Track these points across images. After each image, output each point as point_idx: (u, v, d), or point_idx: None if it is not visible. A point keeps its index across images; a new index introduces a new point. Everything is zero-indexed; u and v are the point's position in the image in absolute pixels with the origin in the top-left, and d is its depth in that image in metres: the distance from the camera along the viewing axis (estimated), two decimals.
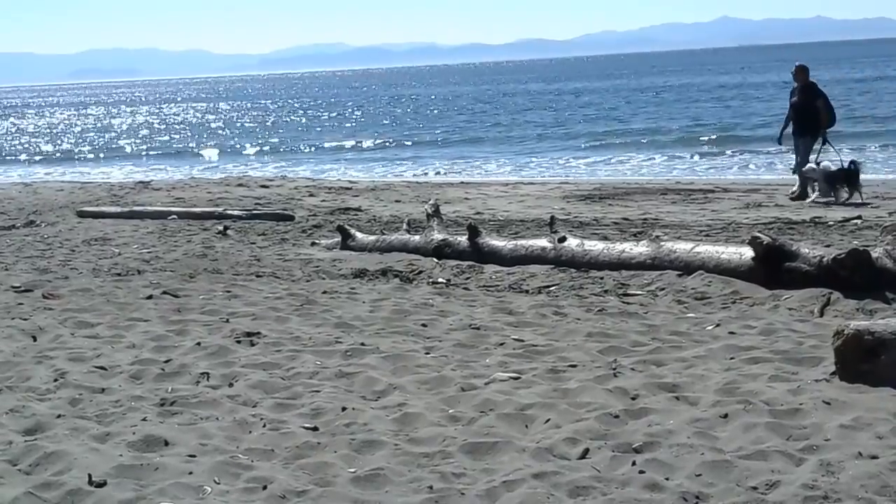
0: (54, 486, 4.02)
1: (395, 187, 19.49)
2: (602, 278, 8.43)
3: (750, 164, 24.33)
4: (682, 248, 8.42)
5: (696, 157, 26.59)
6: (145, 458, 4.30)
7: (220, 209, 15.02)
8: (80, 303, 8.00)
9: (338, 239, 11.38)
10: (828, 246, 8.95)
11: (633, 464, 4.10)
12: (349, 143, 38.10)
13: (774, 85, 55.55)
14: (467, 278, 8.98)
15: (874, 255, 7.15)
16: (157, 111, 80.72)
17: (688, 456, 4.14)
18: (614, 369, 5.55)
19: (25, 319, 7.35)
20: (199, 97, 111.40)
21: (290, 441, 4.56)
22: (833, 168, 14.32)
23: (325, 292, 8.31)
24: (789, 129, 15.05)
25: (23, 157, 39.91)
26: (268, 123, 55.34)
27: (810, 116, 14.53)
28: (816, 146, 14.60)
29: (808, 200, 14.16)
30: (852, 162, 14.29)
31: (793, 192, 14.81)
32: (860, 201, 13.80)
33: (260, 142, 41.60)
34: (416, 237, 10.52)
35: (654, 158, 27.07)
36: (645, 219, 13.10)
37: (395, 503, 3.88)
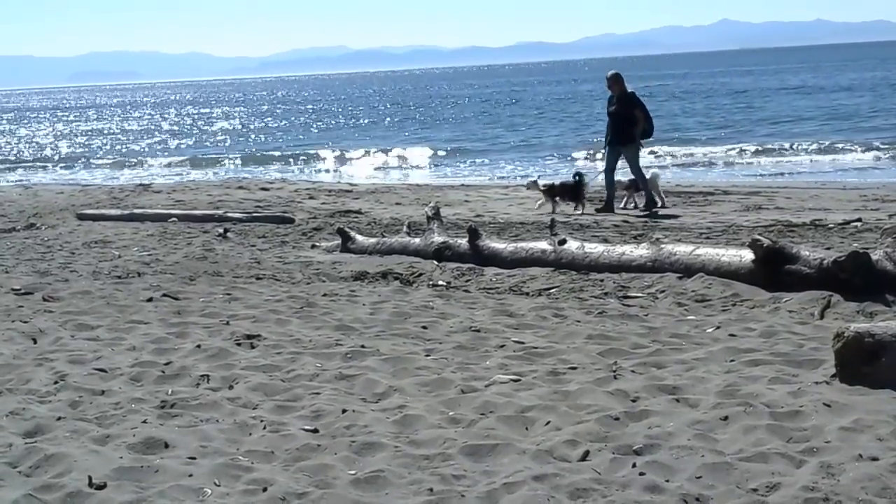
0: (54, 489, 4.02)
1: (395, 190, 19.49)
2: (602, 281, 8.42)
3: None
4: (682, 250, 8.42)
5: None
6: (145, 461, 4.30)
7: (220, 212, 15.02)
8: (81, 305, 8.00)
9: (338, 241, 11.39)
10: (828, 248, 8.95)
11: (634, 466, 4.10)
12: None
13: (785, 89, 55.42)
14: (467, 281, 8.98)
15: (874, 257, 7.14)
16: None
17: (688, 458, 4.14)
18: (614, 371, 5.55)
19: (26, 322, 7.36)
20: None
21: (291, 443, 4.56)
22: (554, 181, 15.00)
23: (325, 295, 8.31)
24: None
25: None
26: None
27: (628, 126, 14.34)
28: (640, 154, 14.69)
29: (538, 207, 14.53)
30: (577, 174, 14.74)
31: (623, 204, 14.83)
32: (581, 212, 14.24)
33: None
34: (417, 240, 10.52)
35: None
36: (645, 221, 13.10)
37: None
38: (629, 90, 14.62)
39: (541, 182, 15.13)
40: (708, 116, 41.41)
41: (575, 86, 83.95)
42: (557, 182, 15.03)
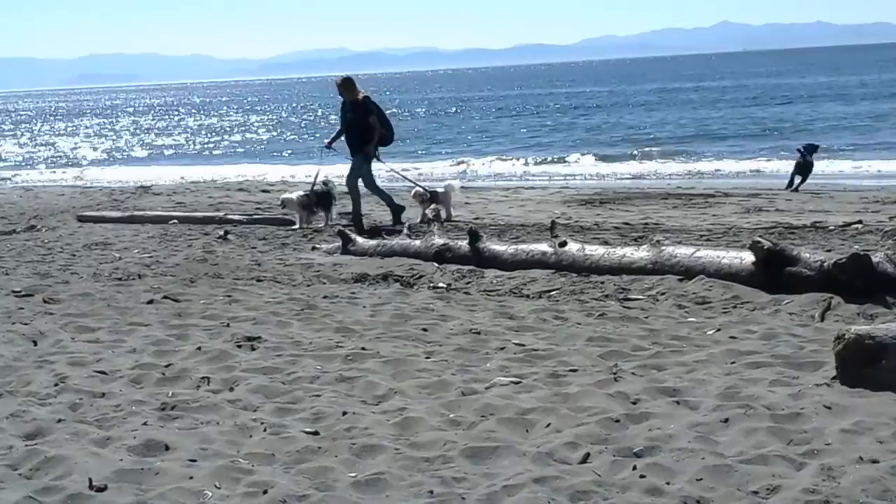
0: (55, 491, 4.02)
1: (395, 192, 19.44)
2: (603, 283, 8.42)
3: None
4: (682, 252, 8.41)
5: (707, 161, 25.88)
6: (146, 463, 4.31)
7: (220, 214, 15.01)
8: (81, 307, 8.00)
9: (338, 243, 11.38)
10: (828, 250, 8.94)
11: (634, 468, 4.10)
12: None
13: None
14: (468, 283, 8.98)
15: (875, 259, 7.15)
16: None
17: (689, 460, 4.14)
18: (615, 374, 5.55)
19: (26, 324, 7.36)
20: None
21: (291, 445, 4.56)
22: (303, 193, 14.17)
23: (325, 297, 8.31)
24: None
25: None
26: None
27: (365, 134, 13.51)
28: (377, 165, 14.07)
29: (296, 227, 13.79)
30: (324, 183, 14.19)
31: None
32: (331, 223, 13.79)
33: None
34: (417, 242, 10.52)
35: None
36: (646, 223, 13.09)
37: None
38: (363, 95, 13.59)
39: (295, 195, 14.09)
40: (725, 123, 40.12)
41: (574, 87, 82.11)
42: (311, 192, 14.14)
